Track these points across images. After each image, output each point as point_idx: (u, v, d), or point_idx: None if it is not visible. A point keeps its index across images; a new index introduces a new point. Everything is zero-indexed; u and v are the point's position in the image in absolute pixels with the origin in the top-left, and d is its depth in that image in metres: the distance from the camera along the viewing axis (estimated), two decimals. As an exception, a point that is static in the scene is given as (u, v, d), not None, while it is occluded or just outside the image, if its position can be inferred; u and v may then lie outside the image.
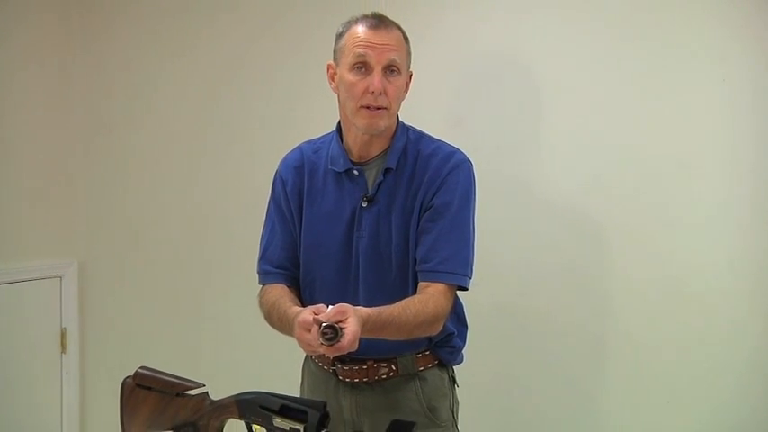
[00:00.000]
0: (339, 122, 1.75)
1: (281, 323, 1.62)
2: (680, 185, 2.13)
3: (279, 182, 1.79)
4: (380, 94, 1.60)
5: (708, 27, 2.10)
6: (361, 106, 1.62)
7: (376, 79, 1.59)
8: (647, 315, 2.17)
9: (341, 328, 1.36)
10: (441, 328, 1.65)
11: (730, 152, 2.09)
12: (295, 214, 1.76)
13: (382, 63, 1.60)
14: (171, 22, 2.83)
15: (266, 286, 1.77)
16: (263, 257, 1.80)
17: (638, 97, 2.17)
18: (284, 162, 1.82)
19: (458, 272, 1.64)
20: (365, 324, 1.43)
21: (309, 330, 1.40)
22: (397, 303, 1.56)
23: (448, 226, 1.64)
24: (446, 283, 1.63)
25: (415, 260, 1.66)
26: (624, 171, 2.19)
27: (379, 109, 1.62)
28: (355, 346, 1.39)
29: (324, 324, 1.36)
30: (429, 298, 1.60)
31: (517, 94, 2.31)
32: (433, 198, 1.66)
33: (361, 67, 1.61)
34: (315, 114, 2.38)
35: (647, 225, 2.16)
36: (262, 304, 1.73)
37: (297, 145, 1.84)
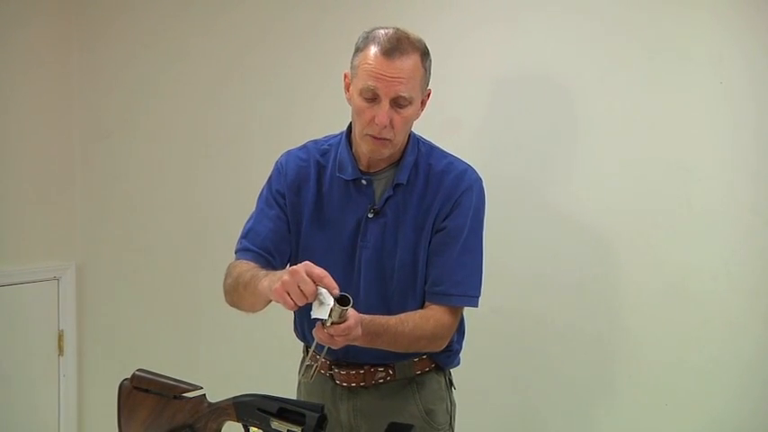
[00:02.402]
0: (350, 125, 1.71)
1: (246, 282, 1.52)
2: (677, 188, 2.13)
3: (279, 171, 1.75)
4: (385, 127, 1.57)
5: (705, 29, 2.10)
6: (367, 134, 1.61)
7: (382, 113, 1.56)
8: (646, 317, 2.17)
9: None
10: (444, 345, 1.65)
11: (728, 154, 2.09)
12: (288, 206, 1.71)
13: (390, 96, 1.56)
14: (170, 23, 2.83)
15: (240, 260, 1.65)
16: (245, 236, 1.70)
17: (636, 99, 2.17)
18: (288, 155, 1.77)
19: (469, 294, 1.66)
20: (360, 323, 1.42)
21: (306, 283, 1.33)
22: (395, 315, 1.56)
23: (460, 249, 1.64)
24: (457, 305, 1.65)
25: (424, 279, 1.66)
26: (622, 173, 2.19)
27: (383, 139, 1.60)
28: (359, 332, 1.40)
29: (340, 295, 1.35)
30: (432, 315, 1.60)
31: (515, 97, 2.31)
32: (445, 219, 1.65)
33: (370, 96, 1.58)
34: (315, 115, 2.39)
35: (646, 227, 2.16)
36: (229, 274, 1.62)
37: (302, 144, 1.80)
